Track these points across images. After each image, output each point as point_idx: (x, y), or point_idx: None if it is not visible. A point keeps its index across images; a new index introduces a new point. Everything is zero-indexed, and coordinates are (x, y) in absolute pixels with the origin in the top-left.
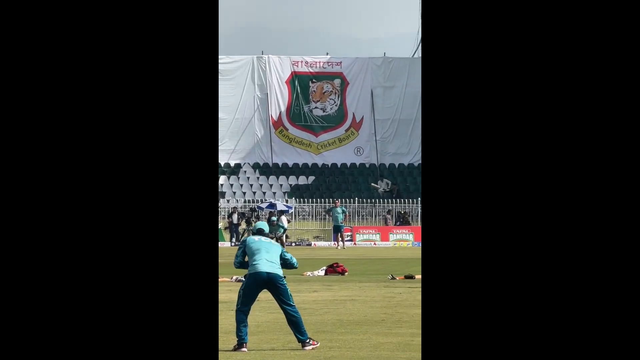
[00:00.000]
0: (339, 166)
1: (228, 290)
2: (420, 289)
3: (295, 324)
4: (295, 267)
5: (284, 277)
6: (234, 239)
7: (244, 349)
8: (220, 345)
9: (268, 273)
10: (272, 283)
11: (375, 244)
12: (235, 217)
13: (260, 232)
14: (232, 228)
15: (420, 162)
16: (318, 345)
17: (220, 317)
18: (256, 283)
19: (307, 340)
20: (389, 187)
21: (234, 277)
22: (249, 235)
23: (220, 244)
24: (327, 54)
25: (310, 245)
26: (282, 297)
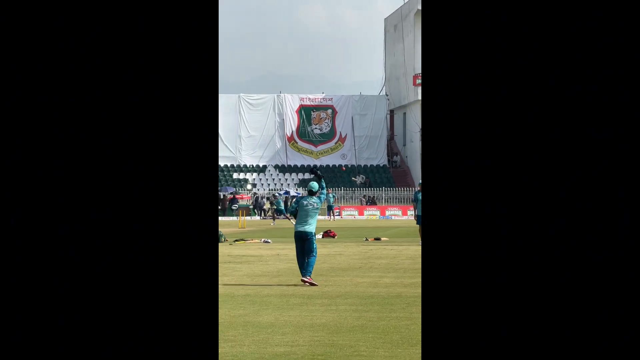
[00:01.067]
0: (330, 166)
1: (258, 248)
2: (385, 247)
3: (306, 262)
4: (324, 187)
5: (313, 233)
6: (261, 215)
7: (305, 281)
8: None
9: (299, 232)
10: (302, 237)
11: (354, 217)
12: (263, 200)
13: (310, 192)
14: (258, 207)
15: (384, 163)
16: (316, 285)
17: (253, 266)
18: (296, 238)
19: (309, 277)
20: (363, 180)
21: (263, 240)
22: (272, 212)
23: (252, 218)
24: (323, 92)
25: None
26: (307, 247)
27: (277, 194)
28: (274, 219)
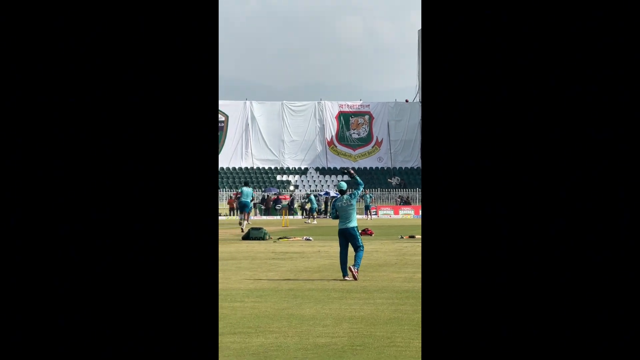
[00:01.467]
0: (368, 169)
1: (300, 245)
2: (419, 244)
3: (355, 256)
4: (361, 184)
5: (356, 228)
6: (303, 214)
7: (347, 278)
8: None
9: (342, 229)
10: (345, 234)
11: (390, 216)
12: (304, 200)
13: (342, 192)
14: (301, 207)
15: (418, 165)
16: (357, 280)
17: (295, 262)
18: (340, 234)
19: (355, 270)
20: (398, 181)
21: (304, 237)
22: (309, 212)
23: (295, 217)
24: (360, 100)
25: None
26: (351, 240)
27: (317, 194)
28: (312, 217)
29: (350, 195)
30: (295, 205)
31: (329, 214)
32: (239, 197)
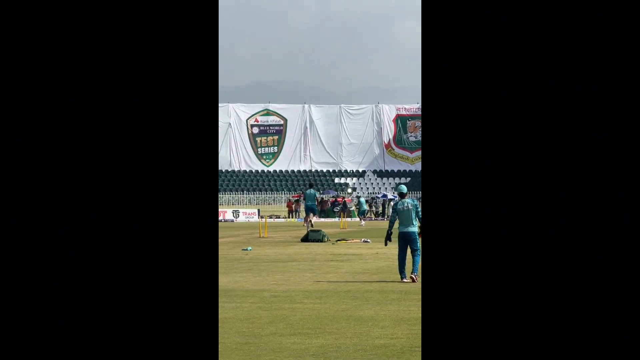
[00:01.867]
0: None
1: (359, 247)
2: None
3: (413, 261)
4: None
5: (416, 232)
6: (360, 217)
7: (405, 280)
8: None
9: (402, 232)
10: (406, 237)
11: None
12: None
13: (402, 195)
14: (345, 207)
15: None
16: (415, 282)
17: (354, 264)
18: (400, 238)
19: (414, 275)
20: None
21: (362, 239)
22: (364, 214)
23: (353, 219)
24: (417, 103)
25: None
26: (410, 244)
27: (375, 197)
28: (361, 219)
29: (411, 199)
30: (352, 208)
31: (386, 216)
32: (303, 200)
